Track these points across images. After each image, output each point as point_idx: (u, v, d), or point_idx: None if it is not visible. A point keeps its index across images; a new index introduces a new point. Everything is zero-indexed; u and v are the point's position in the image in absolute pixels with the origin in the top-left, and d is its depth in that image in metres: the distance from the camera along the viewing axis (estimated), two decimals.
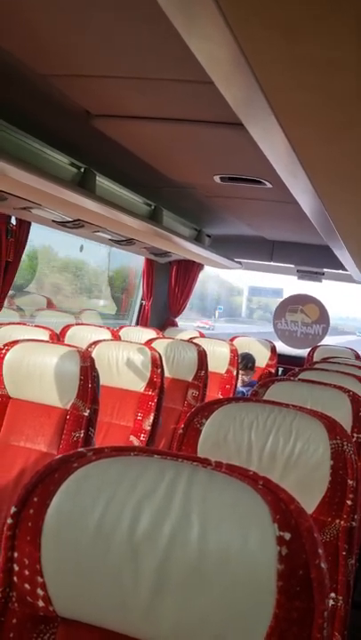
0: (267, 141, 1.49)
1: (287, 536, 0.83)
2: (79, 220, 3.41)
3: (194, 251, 4.67)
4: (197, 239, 4.97)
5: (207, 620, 0.84)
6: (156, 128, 2.32)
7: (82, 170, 2.96)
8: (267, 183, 3.02)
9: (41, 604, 0.90)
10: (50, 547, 0.89)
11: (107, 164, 3.02)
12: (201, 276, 6.14)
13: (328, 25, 0.80)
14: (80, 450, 0.93)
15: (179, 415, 3.85)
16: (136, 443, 3.04)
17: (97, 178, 3.04)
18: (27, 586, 0.90)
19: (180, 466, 0.92)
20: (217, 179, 3.05)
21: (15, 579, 0.91)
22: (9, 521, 0.90)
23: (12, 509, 0.90)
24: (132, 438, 3.07)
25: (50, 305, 5.96)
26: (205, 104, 1.94)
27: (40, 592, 0.90)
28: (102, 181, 3.13)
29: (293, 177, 1.74)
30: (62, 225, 3.57)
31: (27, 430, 2.37)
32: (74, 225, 3.50)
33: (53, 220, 3.49)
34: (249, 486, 0.88)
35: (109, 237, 4.25)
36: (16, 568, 0.91)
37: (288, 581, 0.82)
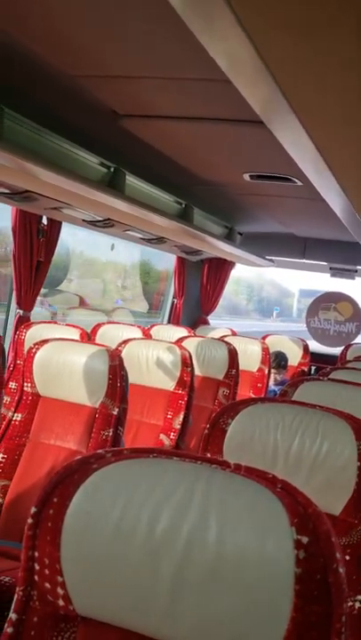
0: (289, 141, 1.48)
1: (305, 539, 0.82)
2: (109, 219, 3.43)
3: (225, 249, 4.66)
4: (228, 237, 4.95)
5: (226, 622, 0.84)
6: (183, 127, 2.32)
7: (111, 169, 2.98)
8: (297, 181, 3.00)
9: (61, 602, 0.91)
10: (69, 547, 0.90)
11: (136, 163, 3.03)
12: (258, 280, 6.20)
13: (340, 24, 0.79)
14: (99, 451, 0.94)
15: (210, 414, 3.85)
16: (166, 441, 3.05)
17: (127, 177, 3.05)
18: (47, 585, 0.92)
19: (198, 468, 0.92)
20: (246, 177, 3.04)
21: (36, 577, 0.92)
22: (29, 521, 0.92)
23: (32, 509, 0.91)
24: (163, 437, 3.07)
25: (82, 303, 6.02)
26: (231, 103, 1.93)
27: (60, 591, 0.91)
28: (132, 180, 3.15)
29: (319, 176, 1.72)
30: (92, 224, 3.59)
31: (56, 428, 2.40)
32: (104, 224, 3.52)
33: (84, 220, 3.52)
34: (267, 489, 0.88)
35: (140, 236, 4.27)
36: (37, 567, 0.92)
37: (306, 585, 0.81)
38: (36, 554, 0.92)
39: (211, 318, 6.18)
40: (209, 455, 1.53)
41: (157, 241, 4.33)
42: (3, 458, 2.36)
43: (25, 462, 2.37)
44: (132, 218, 3.29)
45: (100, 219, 3.50)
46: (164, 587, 0.86)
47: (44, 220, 3.60)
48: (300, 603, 0.81)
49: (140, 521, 0.88)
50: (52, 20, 1.59)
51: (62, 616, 0.92)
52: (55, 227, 3.68)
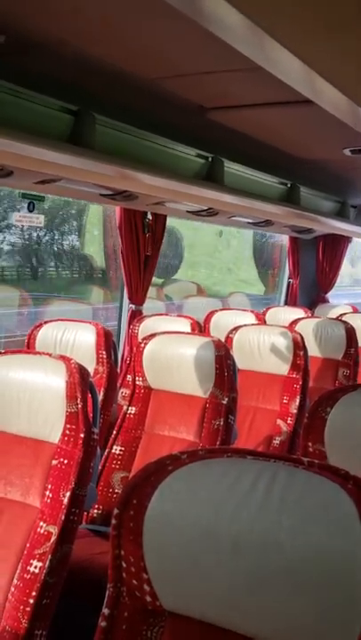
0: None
1: None
2: (212, 208, 3.45)
3: (336, 225, 4.54)
4: (341, 212, 4.81)
5: (304, 618, 0.85)
6: (271, 112, 2.28)
7: (209, 159, 2.99)
8: None
9: (148, 598, 0.96)
10: (151, 545, 0.94)
11: (233, 150, 3.02)
12: None
13: None
14: (174, 453, 0.97)
15: None
16: (283, 427, 3.04)
17: (225, 165, 3.05)
18: (134, 581, 0.96)
19: (271, 466, 0.93)
20: (347, 152, 2.95)
21: (124, 575, 0.98)
22: (113, 521, 0.97)
23: (115, 511, 0.96)
24: (280, 422, 3.06)
25: (200, 291, 6.09)
26: None
27: (146, 587, 0.96)
28: (232, 167, 3.14)
29: None
30: (197, 214, 3.62)
31: (170, 420, 2.46)
32: (208, 213, 3.54)
33: (188, 211, 3.56)
34: (339, 486, 0.87)
35: (247, 221, 4.25)
36: (124, 565, 0.97)
37: None
38: (122, 552, 0.97)
39: None
40: (310, 444, 1.52)
41: (265, 224, 4.30)
42: (121, 450, 2.46)
43: (142, 453, 2.46)
44: (235, 205, 3.28)
45: (205, 208, 3.53)
46: (242, 583, 0.88)
47: (149, 215, 3.68)
48: None
49: (215, 520, 0.91)
50: (129, 31, 1.63)
51: (150, 611, 0.97)
52: (160, 220, 3.74)
